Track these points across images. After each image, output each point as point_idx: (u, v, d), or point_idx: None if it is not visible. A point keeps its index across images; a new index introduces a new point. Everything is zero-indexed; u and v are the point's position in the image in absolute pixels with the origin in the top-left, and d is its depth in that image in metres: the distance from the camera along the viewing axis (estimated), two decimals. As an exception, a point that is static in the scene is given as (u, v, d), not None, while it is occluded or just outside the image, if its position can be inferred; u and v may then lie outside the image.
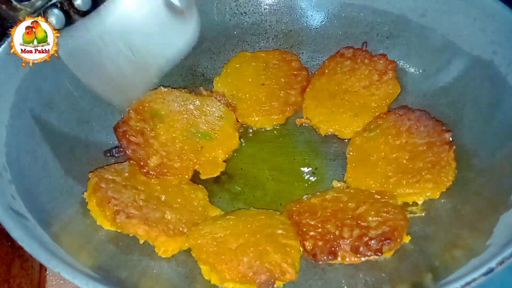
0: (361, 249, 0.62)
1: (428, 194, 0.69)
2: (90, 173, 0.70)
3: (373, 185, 0.71)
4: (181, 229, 0.66)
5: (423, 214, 0.69)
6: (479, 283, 0.50)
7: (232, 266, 0.61)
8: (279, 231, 0.65)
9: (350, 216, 0.66)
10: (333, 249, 0.63)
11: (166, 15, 0.68)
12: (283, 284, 0.62)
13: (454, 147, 0.71)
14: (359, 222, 0.65)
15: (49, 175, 0.67)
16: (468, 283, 0.50)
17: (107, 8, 0.68)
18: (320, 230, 0.65)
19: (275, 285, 0.61)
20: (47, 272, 0.75)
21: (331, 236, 0.64)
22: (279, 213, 0.71)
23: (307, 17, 0.88)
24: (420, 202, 0.70)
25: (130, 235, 0.65)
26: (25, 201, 0.60)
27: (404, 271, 0.63)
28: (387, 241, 0.62)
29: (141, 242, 0.66)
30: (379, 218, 0.65)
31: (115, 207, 0.64)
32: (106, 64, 0.72)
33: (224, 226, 0.66)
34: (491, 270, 0.50)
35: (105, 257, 0.63)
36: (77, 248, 0.62)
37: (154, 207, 0.67)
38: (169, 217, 0.67)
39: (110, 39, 0.69)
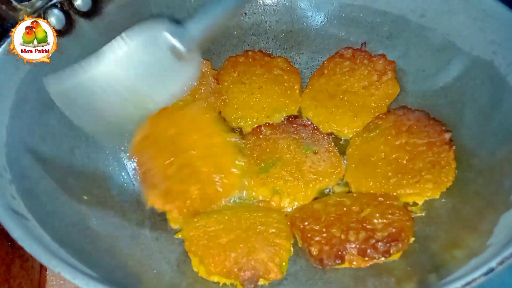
0: (368, 252, 0.62)
1: (428, 194, 0.69)
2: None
3: (373, 186, 0.71)
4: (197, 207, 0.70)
5: (423, 214, 0.69)
6: (479, 283, 0.50)
7: (219, 261, 0.62)
8: (272, 230, 0.66)
9: (354, 219, 0.65)
10: (340, 253, 0.62)
11: (169, 59, 0.67)
12: (269, 283, 0.63)
13: (454, 147, 0.71)
14: (364, 225, 0.64)
15: (49, 175, 0.67)
16: (468, 283, 0.50)
17: (107, 52, 0.65)
18: (325, 235, 0.65)
19: (259, 283, 0.61)
20: (47, 272, 0.76)
21: (337, 241, 0.63)
22: (277, 212, 0.70)
23: (307, 17, 0.88)
24: (420, 202, 0.70)
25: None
26: (25, 201, 0.60)
27: (404, 271, 0.63)
28: (394, 242, 0.62)
29: (147, 207, 0.70)
30: (384, 220, 0.64)
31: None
32: (99, 106, 0.69)
33: (218, 220, 0.67)
34: (491, 270, 0.50)
35: (106, 257, 0.63)
36: (78, 248, 0.61)
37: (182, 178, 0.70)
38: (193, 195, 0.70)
39: (109, 81, 0.66)
